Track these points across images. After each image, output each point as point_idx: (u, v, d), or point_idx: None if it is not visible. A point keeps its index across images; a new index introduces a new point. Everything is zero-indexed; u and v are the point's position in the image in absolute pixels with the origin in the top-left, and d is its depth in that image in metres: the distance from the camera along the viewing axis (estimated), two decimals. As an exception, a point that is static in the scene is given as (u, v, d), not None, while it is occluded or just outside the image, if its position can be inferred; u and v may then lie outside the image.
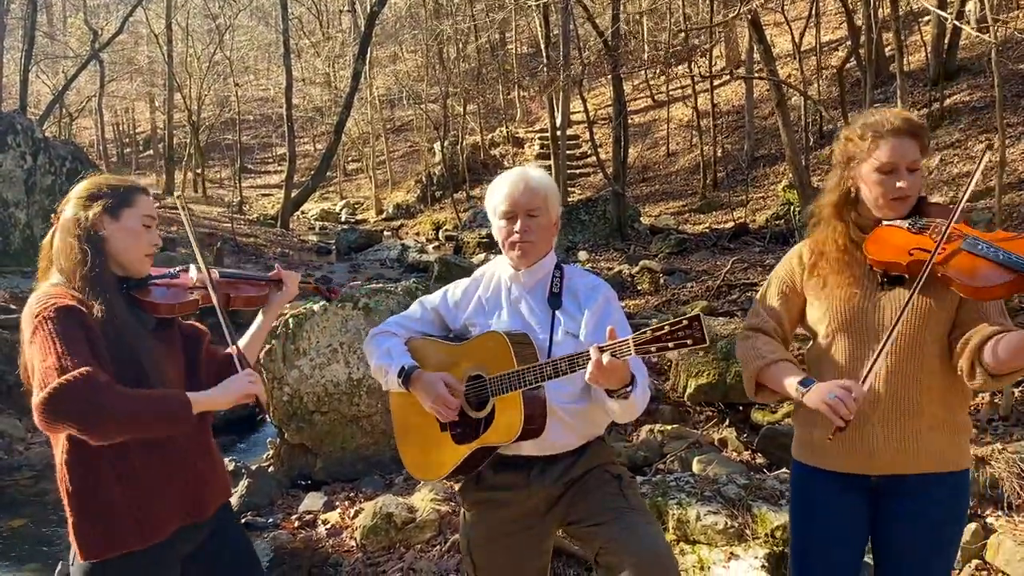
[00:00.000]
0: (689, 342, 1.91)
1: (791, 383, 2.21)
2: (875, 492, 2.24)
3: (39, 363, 1.89)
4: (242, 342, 2.48)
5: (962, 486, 2.22)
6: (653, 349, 1.95)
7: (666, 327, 1.94)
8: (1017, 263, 1.93)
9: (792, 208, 11.99)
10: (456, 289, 2.53)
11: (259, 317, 2.51)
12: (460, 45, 26.63)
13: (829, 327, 2.25)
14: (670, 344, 1.93)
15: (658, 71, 19.50)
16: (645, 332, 1.96)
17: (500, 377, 2.23)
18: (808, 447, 2.32)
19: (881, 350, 2.09)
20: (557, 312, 2.34)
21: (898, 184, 2.15)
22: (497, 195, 2.37)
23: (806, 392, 2.16)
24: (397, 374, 2.37)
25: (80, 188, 2.17)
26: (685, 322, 1.92)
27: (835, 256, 2.24)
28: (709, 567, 3.06)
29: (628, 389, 2.11)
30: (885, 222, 2.18)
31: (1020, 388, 5.36)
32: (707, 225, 14.40)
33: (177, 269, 2.33)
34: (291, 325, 5.59)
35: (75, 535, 2.02)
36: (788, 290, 2.36)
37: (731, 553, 3.10)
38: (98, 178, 2.21)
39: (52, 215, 2.20)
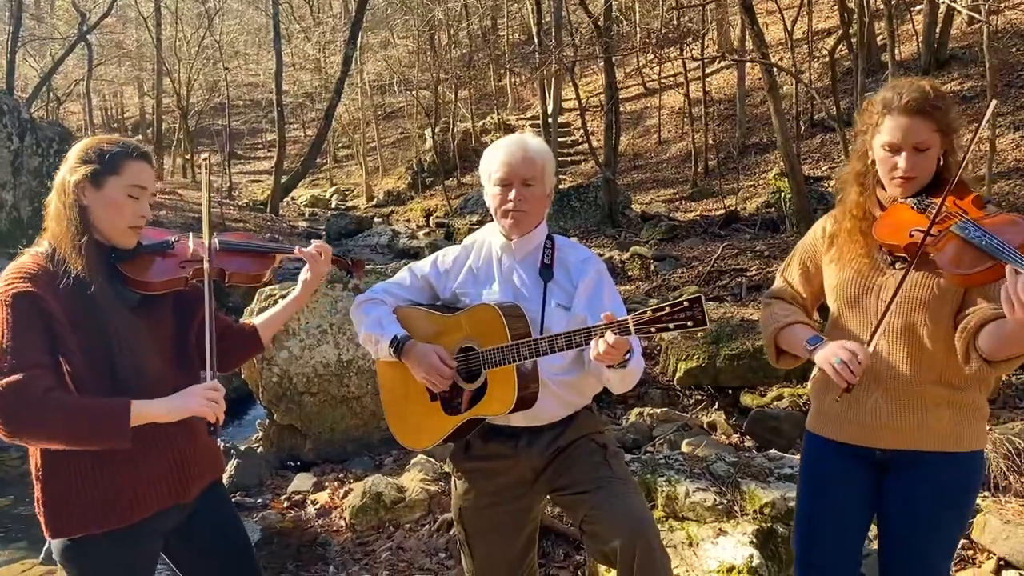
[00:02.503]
0: (690, 324, 1.92)
1: (801, 342, 2.21)
2: (880, 467, 2.24)
3: None
4: (262, 318, 2.38)
5: (968, 467, 2.18)
6: (653, 329, 1.95)
7: (667, 308, 1.94)
8: (997, 250, 1.83)
9: (782, 196, 11.99)
10: (446, 257, 2.50)
11: (289, 296, 2.35)
12: (451, 31, 26.51)
13: (837, 301, 2.24)
14: (671, 325, 1.93)
15: (650, 52, 19.44)
16: (645, 312, 1.96)
17: (494, 350, 2.22)
18: (820, 417, 2.33)
19: (882, 318, 2.07)
20: (549, 284, 2.34)
21: (898, 164, 2.08)
22: (494, 161, 2.34)
23: (813, 350, 2.16)
24: (389, 344, 2.36)
25: (75, 149, 2.05)
26: (686, 303, 1.92)
27: (848, 228, 2.21)
28: (698, 543, 3.07)
29: (626, 357, 2.10)
30: (898, 200, 2.12)
31: (1007, 371, 5.39)
32: (698, 212, 14.41)
33: (174, 239, 2.18)
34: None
35: (40, 512, 2.00)
36: (809, 262, 2.35)
37: (720, 529, 3.11)
38: (93, 140, 2.07)
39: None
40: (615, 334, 1.98)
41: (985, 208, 2.04)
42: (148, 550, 2.10)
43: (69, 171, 2.00)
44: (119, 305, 2.01)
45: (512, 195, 2.30)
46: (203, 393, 1.97)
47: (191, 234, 2.20)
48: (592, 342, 2.04)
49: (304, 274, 2.32)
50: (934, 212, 1.99)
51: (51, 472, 1.97)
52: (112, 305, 1.98)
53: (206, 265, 2.10)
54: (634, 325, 1.97)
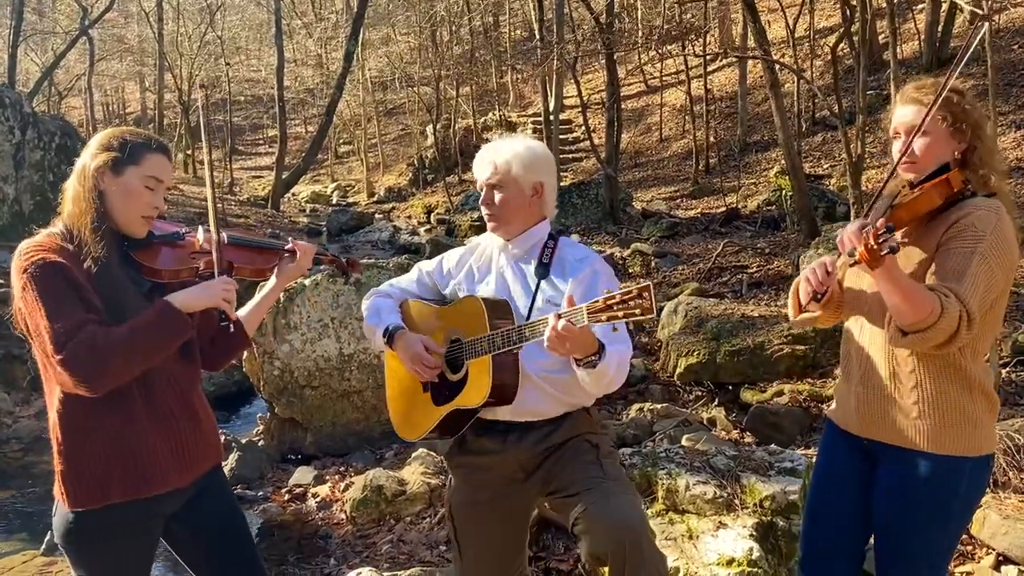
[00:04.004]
0: (638, 312, 1.91)
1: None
2: (871, 457, 2.26)
3: (32, 327, 1.93)
4: (243, 312, 2.44)
5: (951, 472, 2.13)
6: (604, 318, 1.95)
7: (617, 296, 1.94)
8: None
9: (783, 193, 11.99)
10: (451, 256, 2.57)
11: (265, 287, 2.44)
12: (453, 27, 26.50)
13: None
14: (619, 313, 1.93)
15: (653, 47, 19.40)
16: (597, 300, 1.97)
17: (473, 341, 2.27)
18: (834, 403, 2.41)
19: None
20: (542, 282, 2.35)
21: (894, 148, 2.18)
22: (473, 169, 2.46)
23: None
24: (382, 333, 2.44)
25: (98, 135, 2.13)
26: (635, 291, 1.92)
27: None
28: (698, 536, 3.08)
29: (594, 358, 2.10)
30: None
31: (1007, 368, 5.40)
32: (699, 210, 14.41)
33: (184, 231, 2.25)
34: (282, 299, 5.58)
35: (62, 484, 2.03)
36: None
37: (720, 522, 3.12)
38: (117, 129, 2.15)
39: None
40: (569, 321, 2.00)
41: (966, 195, 2.10)
42: (149, 531, 2.13)
43: (90, 156, 2.07)
44: (132, 288, 2.08)
45: (483, 201, 2.40)
46: (221, 286, 2.08)
47: (200, 227, 2.26)
48: (546, 331, 2.04)
49: (284, 267, 2.40)
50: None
51: (76, 446, 2.01)
52: (127, 288, 2.05)
53: (215, 244, 2.19)
54: (587, 313, 1.97)
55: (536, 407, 2.32)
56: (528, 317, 2.30)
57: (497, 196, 2.37)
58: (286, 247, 2.40)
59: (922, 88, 2.16)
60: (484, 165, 2.39)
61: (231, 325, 2.15)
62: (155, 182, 2.09)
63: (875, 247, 1.83)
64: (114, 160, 2.05)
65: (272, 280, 2.42)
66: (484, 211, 2.40)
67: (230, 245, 2.28)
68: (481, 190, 2.41)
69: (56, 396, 2.01)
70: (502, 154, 2.37)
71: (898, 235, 1.85)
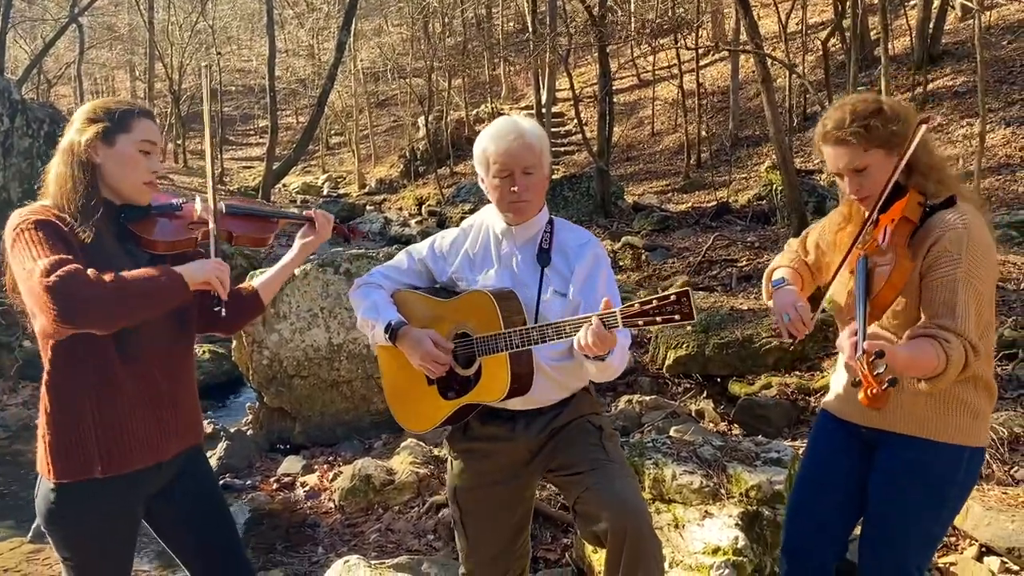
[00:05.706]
0: (677, 317, 1.91)
1: (771, 279, 2.37)
2: (868, 446, 2.29)
3: (20, 270, 1.87)
4: (261, 279, 2.44)
5: (947, 458, 2.18)
6: (641, 323, 1.95)
7: (654, 301, 1.94)
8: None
9: (774, 188, 12.02)
10: (444, 240, 2.50)
11: (285, 256, 2.40)
12: (446, 19, 26.42)
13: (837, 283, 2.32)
14: (658, 319, 1.93)
15: (645, 40, 19.42)
16: (633, 305, 1.96)
17: (487, 338, 2.23)
18: (830, 393, 2.43)
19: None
20: (546, 270, 2.32)
21: (845, 187, 2.20)
22: (491, 150, 2.26)
23: (775, 291, 2.31)
24: (384, 329, 2.35)
25: (79, 112, 2.10)
26: (673, 297, 1.92)
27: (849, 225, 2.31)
28: (684, 525, 3.10)
29: (606, 353, 2.11)
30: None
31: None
32: (690, 204, 14.44)
33: (181, 201, 2.22)
34: (272, 289, 5.57)
35: (47, 455, 2.01)
36: (822, 238, 2.43)
37: (706, 512, 3.14)
38: (98, 102, 2.12)
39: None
40: (603, 326, 1.99)
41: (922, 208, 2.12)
42: (130, 511, 2.12)
43: (77, 132, 2.04)
44: (129, 263, 2.04)
45: (516, 187, 2.26)
46: (216, 266, 2.05)
47: (197, 196, 2.23)
48: (579, 332, 2.05)
49: (303, 237, 2.37)
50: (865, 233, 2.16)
51: (63, 417, 2.00)
52: (123, 262, 2.01)
53: (212, 213, 2.16)
54: (622, 318, 1.97)
55: (543, 395, 2.33)
56: (536, 308, 2.29)
57: (531, 182, 2.27)
58: (304, 214, 2.38)
59: (840, 127, 2.12)
60: (523, 149, 2.24)
61: (222, 309, 2.07)
62: (149, 145, 2.08)
63: (878, 390, 1.80)
64: (104, 130, 2.03)
65: (293, 250, 2.38)
66: (515, 197, 2.26)
67: (228, 215, 2.25)
68: (505, 175, 2.26)
69: (46, 369, 2.01)
70: (533, 134, 2.26)
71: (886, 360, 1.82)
